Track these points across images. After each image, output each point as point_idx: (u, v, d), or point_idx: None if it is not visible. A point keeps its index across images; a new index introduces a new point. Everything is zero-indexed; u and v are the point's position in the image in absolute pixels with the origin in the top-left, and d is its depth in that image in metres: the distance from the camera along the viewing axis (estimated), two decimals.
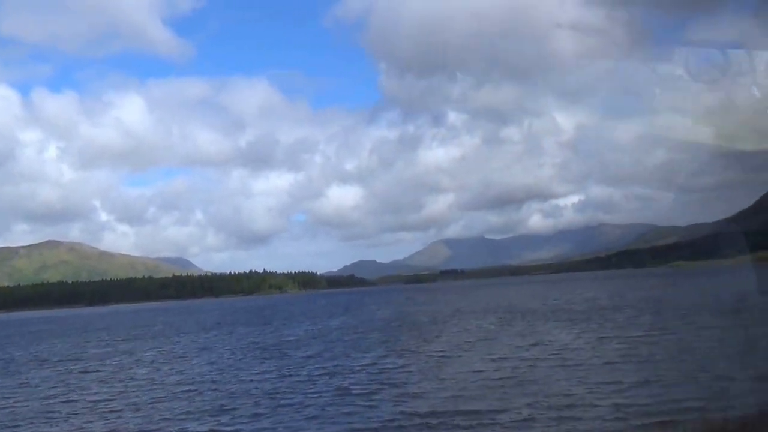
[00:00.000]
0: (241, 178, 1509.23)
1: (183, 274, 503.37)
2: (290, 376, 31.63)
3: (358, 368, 32.56)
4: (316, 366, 34.36)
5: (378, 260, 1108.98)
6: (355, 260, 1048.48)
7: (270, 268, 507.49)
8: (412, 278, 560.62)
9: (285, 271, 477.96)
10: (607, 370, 26.61)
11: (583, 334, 40.35)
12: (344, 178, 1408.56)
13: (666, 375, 24.73)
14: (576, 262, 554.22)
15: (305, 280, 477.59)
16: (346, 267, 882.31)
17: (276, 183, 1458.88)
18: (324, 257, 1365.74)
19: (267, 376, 32.19)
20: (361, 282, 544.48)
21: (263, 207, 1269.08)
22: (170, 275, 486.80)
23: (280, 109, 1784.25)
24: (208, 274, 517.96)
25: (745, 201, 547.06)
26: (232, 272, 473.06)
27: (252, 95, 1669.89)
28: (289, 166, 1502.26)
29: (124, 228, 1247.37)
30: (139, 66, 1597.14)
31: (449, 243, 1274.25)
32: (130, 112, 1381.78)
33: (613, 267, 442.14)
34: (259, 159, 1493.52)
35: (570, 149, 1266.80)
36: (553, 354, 32.34)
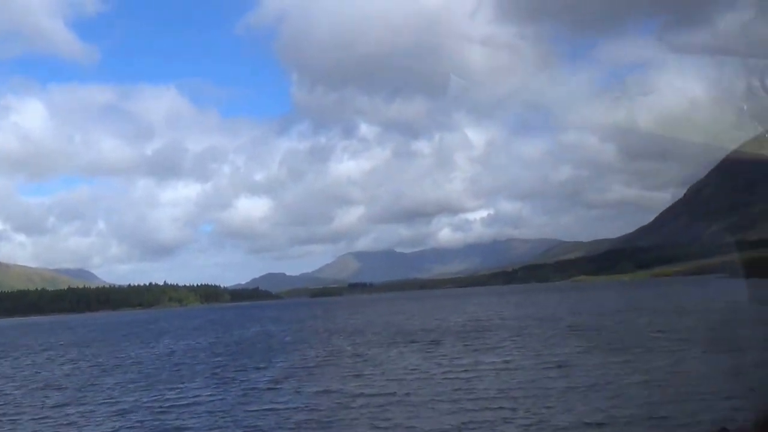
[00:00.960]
0: (147, 188, 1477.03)
1: (81, 286, 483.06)
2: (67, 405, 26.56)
3: (148, 403, 27.61)
4: (107, 398, 29.34)
5: (287, 273, 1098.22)
6: (264, 273, 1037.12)
7: (176, 280, 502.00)
8: (319, 291, 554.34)
9: (190, 284, 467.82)
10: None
11: (432, 359, 36.43)
12: (253, 189, 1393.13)
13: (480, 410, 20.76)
14: (483, 276, 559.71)
15: (207, 293, 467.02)
16: (254, 280, 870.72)
17: (183, 193, 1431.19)
18: (231, 269, 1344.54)
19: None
20: (267, 295, 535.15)
21: (169, 217, 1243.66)
22: (67, 287, 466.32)
23: (189, 117, 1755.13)
24: (109, 286, 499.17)
25: (644, 218, 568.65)
26: (133, 284, 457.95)
27: (159, 103, 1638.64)
28: (197, 175, 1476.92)
29: (20, 238, 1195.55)
30: (40, 69, 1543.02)
31: (359, 256, 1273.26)
32: (29, 117, 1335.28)
33: (518, 281, 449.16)
34: (165, 168, 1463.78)
35: (480, 164, 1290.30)
36: (379, 386, 28.17)
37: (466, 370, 31.15)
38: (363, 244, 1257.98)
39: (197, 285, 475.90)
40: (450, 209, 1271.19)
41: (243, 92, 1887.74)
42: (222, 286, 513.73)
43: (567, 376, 27.73)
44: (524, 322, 62.37)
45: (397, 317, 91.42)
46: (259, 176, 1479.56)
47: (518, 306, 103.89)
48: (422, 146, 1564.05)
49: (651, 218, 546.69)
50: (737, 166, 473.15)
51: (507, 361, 33.66)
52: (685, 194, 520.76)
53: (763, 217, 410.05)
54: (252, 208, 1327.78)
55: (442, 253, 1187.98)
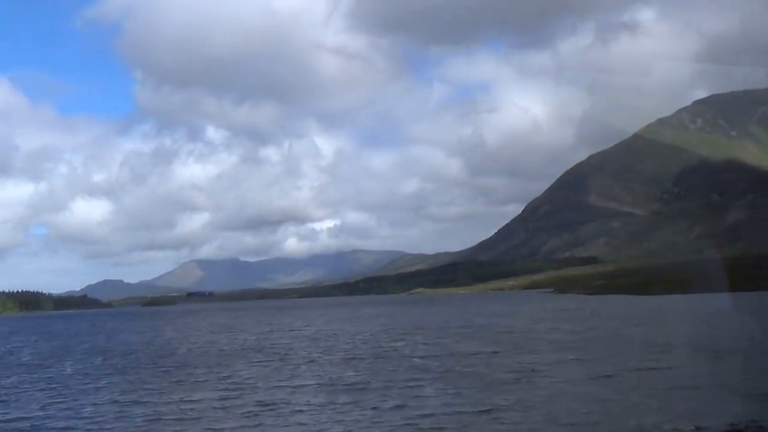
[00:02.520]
0: None
1: None
2: None
3: None
4: None
5: (125, 280, 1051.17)
6: (100, 279, 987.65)
7: (1, 287, 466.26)
8: (151, 300, 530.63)
9: (17, 290, 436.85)
10: None
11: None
12: (91, 191, 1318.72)
13: None
14: (325, 287, 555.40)
15: (27, 301, 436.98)
16: (89, 287, 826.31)
17: (13, 193, 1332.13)
18: (65, 275, 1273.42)
19: None
20: (96, 303, 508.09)
21: None
22: None
23: (22, 112, 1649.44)
24: None
25: (486, 232, 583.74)
26: None
27: None
28: (30, 175, 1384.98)
29: None
30: None
31: (202, 264, 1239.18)
32: None
33: (360, 292, 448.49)
34: None
35: (328, 174, 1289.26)
36: None
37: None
38: (207, 251, 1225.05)
39: (18, 291, 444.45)
40: (297, 218, 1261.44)
41: (83, 89, 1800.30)
42: (52, 293, 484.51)
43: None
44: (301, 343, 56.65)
45: (193, 333, 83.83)
46: (98, 177, 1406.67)
47: (328, 322, 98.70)
48: (271, 153, 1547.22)
49: (492, 233, 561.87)
50: (572, 185, 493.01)
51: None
52: (523, 210, 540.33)
53: (593, 234, 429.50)
54: (90, 211, 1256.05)
55: (288, 263, 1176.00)
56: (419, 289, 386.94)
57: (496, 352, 42.45)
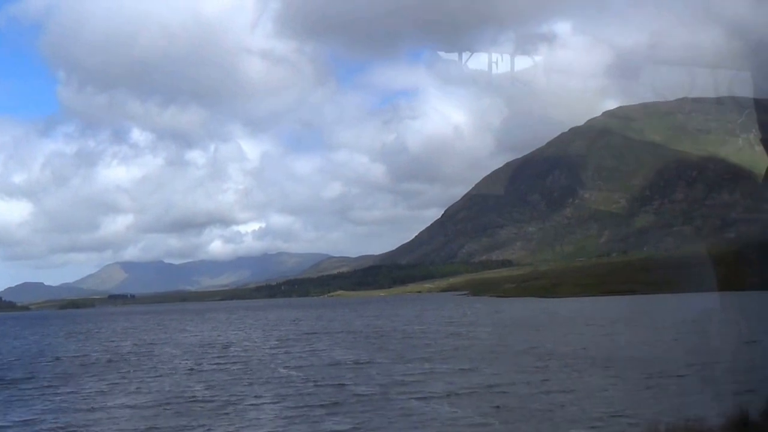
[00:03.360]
0: None
1: None
2: None
3: None
4: None
5: (46, 283, 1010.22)
6: (20, 282, 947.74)
7: None
8: (69, 303, 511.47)
9: None
10: None
11: None
12: (11, 192, 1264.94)
13: None
14: (248, 290, 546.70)
15: None
16: (8, 289, 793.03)
17: None
18: None
19: None
20: (11, 307, 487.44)
21: None
22: None
23: None
24: None
25: (408, 236, 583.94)
26: None
27: None
28: None
29: None
30: None
31: (126, 266, 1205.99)
32: None
33: (281, 295, 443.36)
34: None
35: (254, 177, 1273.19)
36: None
37: None
38: (131, 254, 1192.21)
39: None
40: (222, 221, 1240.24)
41: (4, 88, 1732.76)
42: None
43: None
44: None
45: (77, 340, 78.21)
46: (18, 178, 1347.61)
47: (227, 327, 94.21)
48: (196, 156, 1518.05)
49: (412, 237, 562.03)
50: (490, 190, 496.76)
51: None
52: (442, 215, 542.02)
53: (510, 239, 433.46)
54: (9, 213, 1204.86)
55: (213, 266, 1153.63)
56: (339, 292, 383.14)
57: (371, 362, 39.41)
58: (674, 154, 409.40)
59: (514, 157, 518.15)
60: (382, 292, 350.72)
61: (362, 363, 39.29)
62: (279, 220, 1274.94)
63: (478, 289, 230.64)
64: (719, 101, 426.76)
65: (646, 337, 46.45)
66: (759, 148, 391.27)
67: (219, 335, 73.29)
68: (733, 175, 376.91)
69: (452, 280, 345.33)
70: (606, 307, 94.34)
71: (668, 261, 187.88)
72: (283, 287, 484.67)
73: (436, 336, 57.88)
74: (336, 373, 35.16)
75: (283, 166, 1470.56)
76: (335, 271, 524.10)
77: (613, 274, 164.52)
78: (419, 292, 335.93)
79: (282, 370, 36.74)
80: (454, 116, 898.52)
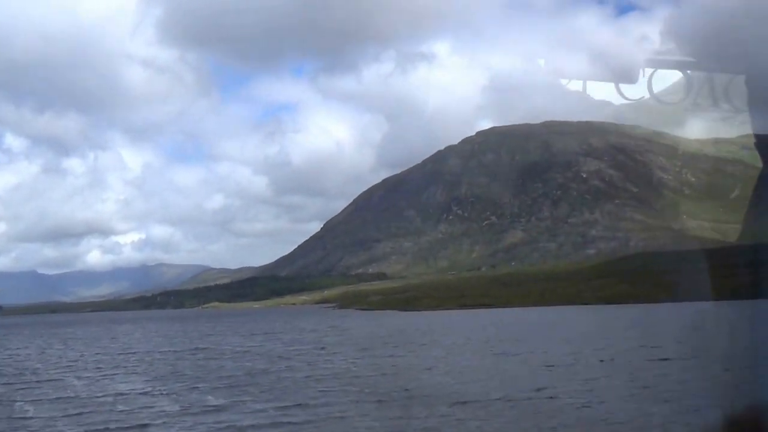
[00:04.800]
0: None
1: None
2: None
3: None
4: None
5: None
6: None
7: None
8: None
9: None
10: None
11: None
12: None
13: None
14: (123, 301, 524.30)
15: None
16: None
17: None
18: None
19: None
20: None
21: None
22: None
23: None
24: None
25: (289, 248, 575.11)
26: None
27: None
28: None
29: None
30: None
31: None
32: None
33: (157, 306, 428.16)
34: None
35: (134, 187, 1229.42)
36: None
37: None
38: (2, 263, 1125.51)
39: None
40: (101, 231, 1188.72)
41: None
42: None
43: None
44: None
45: None
46: None
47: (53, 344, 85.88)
48: (74, 164, 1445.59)
49: (292, 249, 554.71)
50: (368, 205, 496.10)
51: None
52: (322, 228, 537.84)
53: (386, 253, 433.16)
54: None
55: (90, 276, 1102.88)
56: (214, 303, 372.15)
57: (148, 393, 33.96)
58: (541, 174, 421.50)
59: (394, 173, 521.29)
60: (257, 304, 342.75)
61: (135, 394, 33.97)
62: (159, 231, 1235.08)
63: (347, 302, 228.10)
64: (588, 125, 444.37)
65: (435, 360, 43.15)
66: (614, 172, 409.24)
67: (33, 353, 65.64)
68: (593, 195, 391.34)
69: (327, 293, 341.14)
70: (449, 321, 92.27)
71: (521, 276, 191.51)
72: (158, 298, 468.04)
73: (240, 356, 52.99)
74: (96, 407, 29.68)
75: (165, 176, 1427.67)
76: (214, 283, 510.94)
77: (472, 288, 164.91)
78: (294, 304, 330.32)
79: (21, 403, 30.87)
80: (337, 131, 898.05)
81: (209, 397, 31.45)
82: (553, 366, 37.60)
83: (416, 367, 40.12)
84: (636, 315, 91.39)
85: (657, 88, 7.93)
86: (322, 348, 57.74)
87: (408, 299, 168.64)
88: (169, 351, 61.77)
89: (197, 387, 35.41)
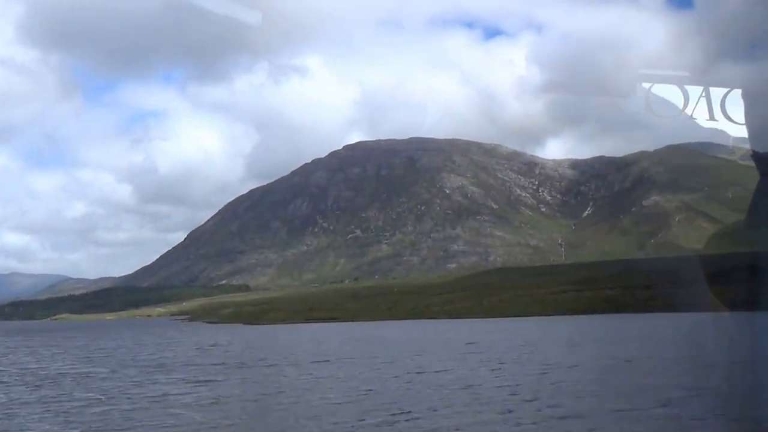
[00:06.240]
0: None
1: None
2: None
3: None
4: None
5: None
6: None
7: None
8: None
9: None
10: None
11: None
12: None
13: None
14: None
15: None
16: None
17: None
18: None
19: None
20: None
21: None
22: None
23: None
24: None
25: (151, 258, 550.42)
26: None
27: None
28: None
29: None
30: None
31: None
32: None
33: (3, 318, 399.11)
34: None
35: None
36: None
37: None
38: None
39: None
40: None
41: None
42: None
43: None
44: None
45: None
46: None
47: None
48: None
49: (155, 258, 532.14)
50: (234, 216, 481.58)
51: None
52: (186, 238, 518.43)
53: (251, 265, 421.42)
54: None
55: None
56: (65, 315, 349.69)
57: None
58: (406, 189, 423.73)
59: (263, 184, 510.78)
60: (110, 316, 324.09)
61: None
62: (14, 238, 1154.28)
63: (201, 314, 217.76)
64: (452, 142, 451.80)
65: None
66: (476, 189, 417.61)
67: None
68: (456, 211, 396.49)
69: (186, 305, 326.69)
70: (281, 336, 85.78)
71: (372, 290, 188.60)
72: (6, 309, 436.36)
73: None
74: None
75: (22, 181, 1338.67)
76: (68, 294, 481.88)
77: (322, 302, 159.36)
78: (149, 316, 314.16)
79: None
80: (206, 140, 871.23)
81: None
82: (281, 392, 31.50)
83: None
84: (477, 329, 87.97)
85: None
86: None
87: (256, 313, 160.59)
88: None
89: None
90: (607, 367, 37.63)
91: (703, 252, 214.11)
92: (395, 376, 35.49)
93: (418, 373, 36.87)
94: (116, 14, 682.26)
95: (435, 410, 24.51)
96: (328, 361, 46.60)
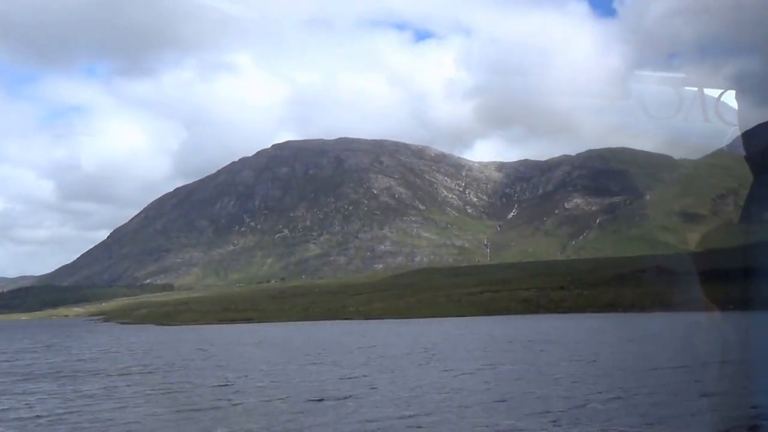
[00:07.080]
0: None
1: None
2: None
3: None
4: None
5: None
6: None
7: None
8: None
9: None
10: None
11: None
12: None
13: None
14: None
15: None
16: None
17: None
18: None
19: None
20: None
21: None
22: None
23: None
24: None
25: (73, 257, 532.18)
26: None
27: None
28: None
29: None
30: None
31: None
32: None
33: None
34: None
35: None
36: None
37: None
38: None
39: None
40: None
41: None
42: None
43: None
44: None
45: None
46: None
47: None
48: None
49: (75, 257, 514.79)
50: (159, 214, 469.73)
51: None
52: (109, 236, 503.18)
53: (176, 264, 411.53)
54: None
55: None
56: None
57: None
58: (334, 189, 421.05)
59: (189, 181, 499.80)
60: (25, 316, 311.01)
61: None
62: None
63: (118, 315, 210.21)
64: (380, 143, 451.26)
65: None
66: (404, 190, 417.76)
67: None
68: (383, 212, 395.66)
69: (106, 305, 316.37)
70: (186, 339, 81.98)
71: (295, 290, 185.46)
72: None
73: None
74: None
75: None
76: None
77: (239, 302, 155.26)
78: (66, 316, 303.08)
79: None
80: (132, 136, 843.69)
81: None
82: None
83: None
84: (392, 330, 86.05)
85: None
86: None
87: (170, 313, 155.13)
88: None
89: None
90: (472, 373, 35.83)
91: (618, 256, 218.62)
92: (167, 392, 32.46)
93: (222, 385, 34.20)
94: (37, 6, 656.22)
95: None
96: (130, 374, 42.42)
